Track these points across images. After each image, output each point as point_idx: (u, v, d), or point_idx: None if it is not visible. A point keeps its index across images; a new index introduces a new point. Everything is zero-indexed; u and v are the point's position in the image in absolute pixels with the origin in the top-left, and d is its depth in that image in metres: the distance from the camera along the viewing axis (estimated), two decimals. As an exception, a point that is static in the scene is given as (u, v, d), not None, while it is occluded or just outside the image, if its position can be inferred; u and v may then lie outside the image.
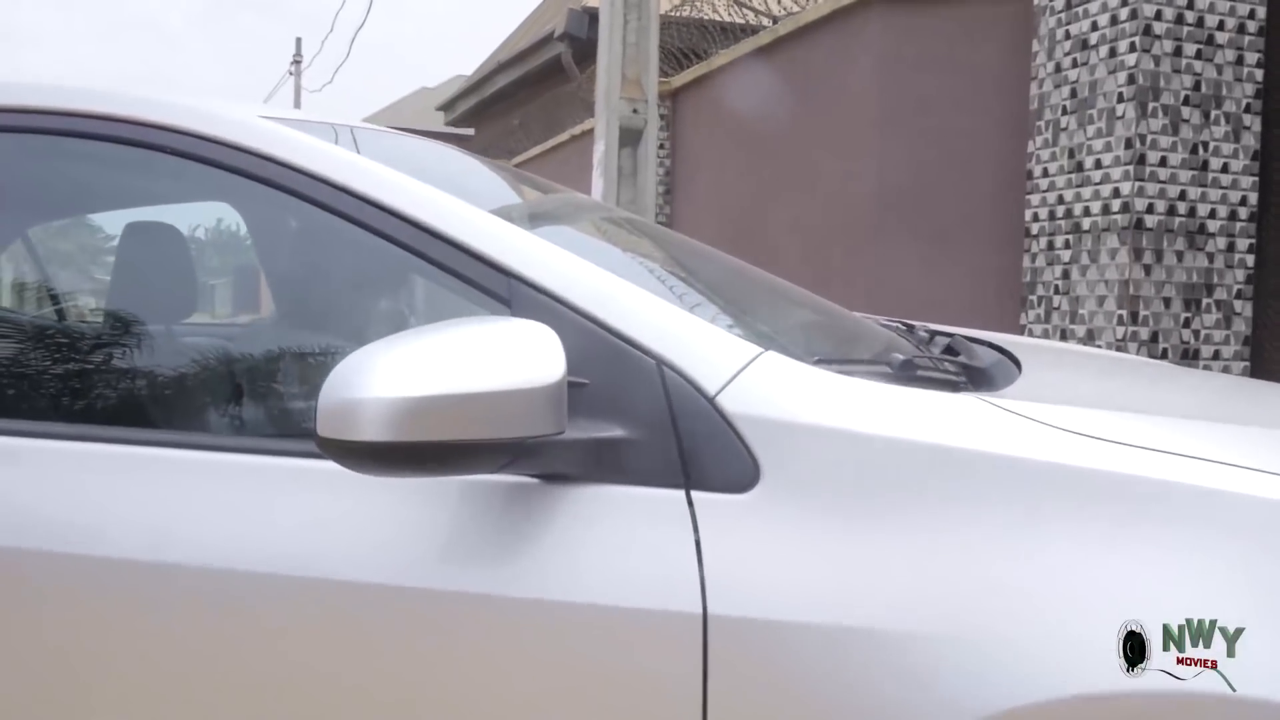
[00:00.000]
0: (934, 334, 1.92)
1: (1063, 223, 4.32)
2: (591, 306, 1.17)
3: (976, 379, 1.42)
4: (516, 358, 1.05)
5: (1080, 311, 4.22)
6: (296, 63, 24.09)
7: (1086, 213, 4.21)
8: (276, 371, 1.47)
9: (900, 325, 2.05)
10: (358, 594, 1.12)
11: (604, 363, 1.13)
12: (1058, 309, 4.33)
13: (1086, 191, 4.21)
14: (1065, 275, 4.30)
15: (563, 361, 1.06)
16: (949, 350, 1.70)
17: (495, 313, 1.19)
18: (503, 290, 1.19)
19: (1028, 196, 4.50)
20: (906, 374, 1.25)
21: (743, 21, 7.51)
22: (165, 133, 1.35)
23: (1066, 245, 4.30)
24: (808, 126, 5.79)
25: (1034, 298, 4.45)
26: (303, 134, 1.34)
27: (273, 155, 1.31)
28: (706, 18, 7.70)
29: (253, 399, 1.45)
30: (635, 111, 5.55)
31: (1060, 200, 4.33)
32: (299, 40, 24.91)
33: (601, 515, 1.10)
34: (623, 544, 1.09)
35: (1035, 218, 4.45)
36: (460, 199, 1.28)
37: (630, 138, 5.59)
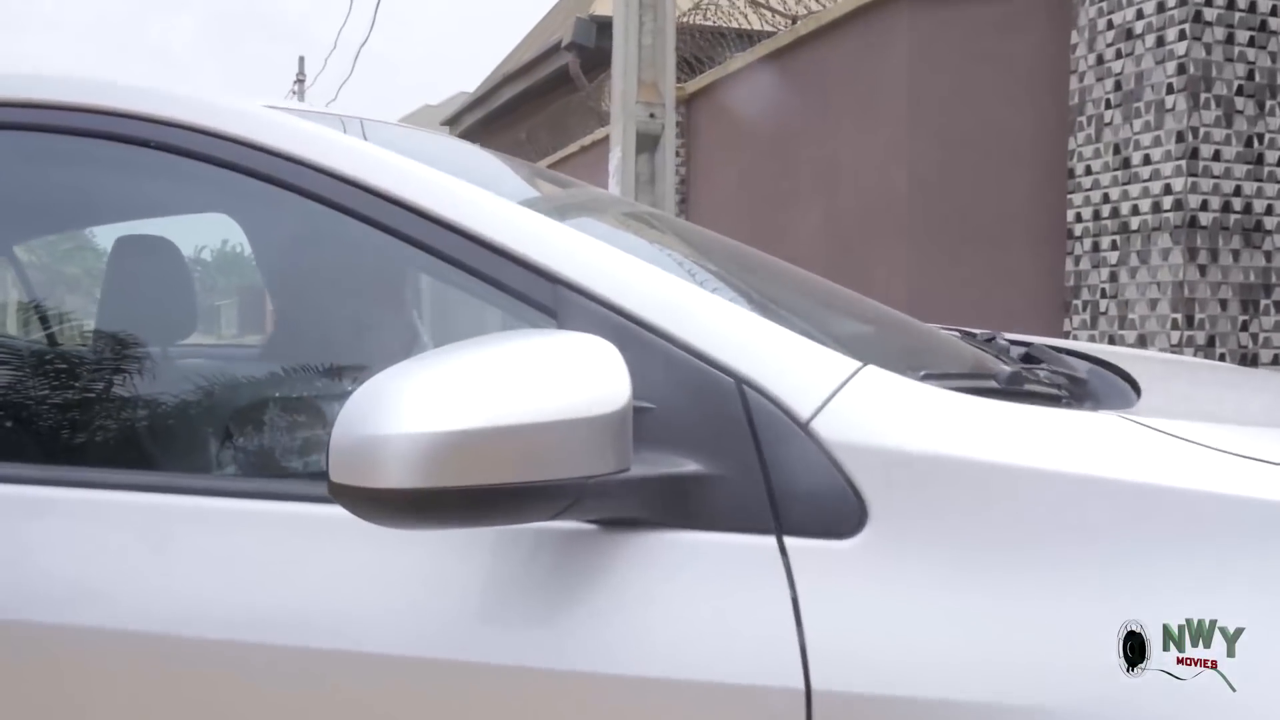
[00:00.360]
0: (1011, 342, 1.74)
1: (1109, 222, 4.13)
2: (655, 316, 0.97)
3: (1081, 393, 1.24)
4: (572, 380, 0.86)
5: (1130, 315, 4.02)
6: (300, 81, 24.09)
7: (1135, 211, 4.02)
8: (280, 402, 1.27)
9: (959, 333, 1.86)
10: (378, 668, 0.93)
11: (673, 383, 0.94)
12: (1105, 313, 4.13)
13: (1134, 189, 4.02)
14: (1113, 278, 4.11)
15: (628, 383, 0.87)
16: (1029, 359, 1.52)
17: (539, 325, 1.00)
18: (547, 299, 1.00)
19: (1069, 196, 4.32)
20: (1016, 389, 1.06)
21: (759, 26, 7.34)
22: (151, 125, 1.17)
23: (1113, 246, 4.11)
24: (833, 128, 5.61)
25: (1078, 302, 4.26)
26: (310, 124, 1.16)
27: (277, 149, 1.12)
28: (722, 24, 7.53)
29: (253, 434, 1.26)
30: (653, 116, 5.39)
31: (1106, 199, 4.14)
32: (301, 59, 24.93)
33: (674, 568, 0.91)
34: (701, 604, 0.89)
35: (1079, 218, 4.27)
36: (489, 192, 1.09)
37: (648, 143, 5.43)
